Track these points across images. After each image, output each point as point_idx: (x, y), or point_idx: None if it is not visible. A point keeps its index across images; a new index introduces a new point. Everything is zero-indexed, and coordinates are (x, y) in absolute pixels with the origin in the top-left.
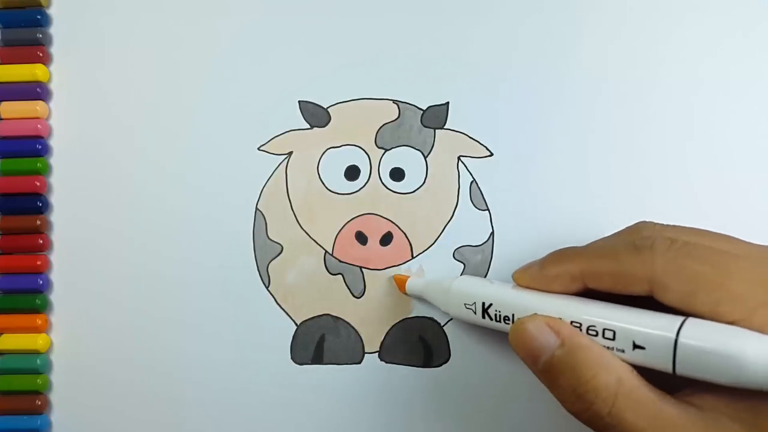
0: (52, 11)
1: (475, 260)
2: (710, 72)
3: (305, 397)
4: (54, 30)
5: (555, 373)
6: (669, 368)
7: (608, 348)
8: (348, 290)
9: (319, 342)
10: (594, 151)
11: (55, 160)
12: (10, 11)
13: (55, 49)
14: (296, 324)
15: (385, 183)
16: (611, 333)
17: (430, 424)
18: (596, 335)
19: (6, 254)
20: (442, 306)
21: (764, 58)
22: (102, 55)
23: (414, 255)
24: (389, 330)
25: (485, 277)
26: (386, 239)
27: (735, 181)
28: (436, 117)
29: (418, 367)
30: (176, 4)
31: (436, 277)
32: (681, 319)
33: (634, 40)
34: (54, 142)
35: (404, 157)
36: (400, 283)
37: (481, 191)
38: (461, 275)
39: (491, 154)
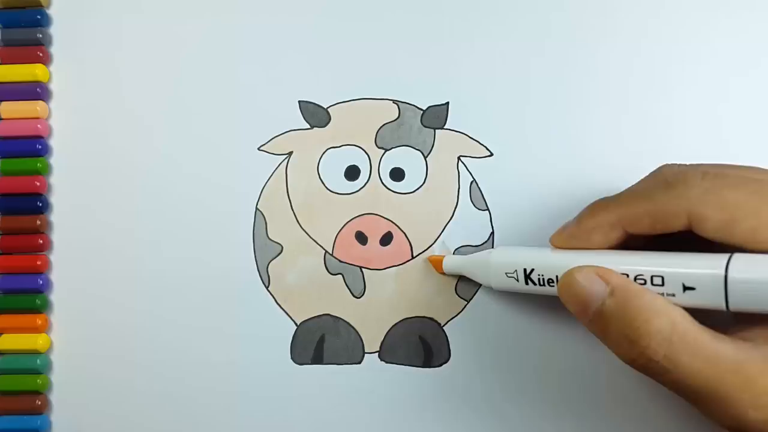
0: (52, 11)
1: None
2: (711, 72)
3: (305, 397)
4: (54, 30)
5: (606, 321)
6: (722, 305)
7: (659, 294)
8: (348, 290)
9: (319, 342)
10: (594, 150)
11: (55, 160)
12: (10, 11)
13: (55, 49)
14: (296, 324)
15: (385, 183)
16: (659, 279)
17: (430, 424)
18: (645, 283)
19: (6, 254)
20: (482, 279)
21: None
22: (102, 55)
23: (414, 255)
24: (389, 330)
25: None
26: (386, 239)
27: None
28: (436, 117)
29: (418, 367)
30: (176, 5)
31: (473, 253)
32: (727, 255)
33: (634, 40)
34: (54, 142)
35: (404, 157)
36: (436, 263)
37: (481, 191)
38: (498, 246)
39: (491, 154)
